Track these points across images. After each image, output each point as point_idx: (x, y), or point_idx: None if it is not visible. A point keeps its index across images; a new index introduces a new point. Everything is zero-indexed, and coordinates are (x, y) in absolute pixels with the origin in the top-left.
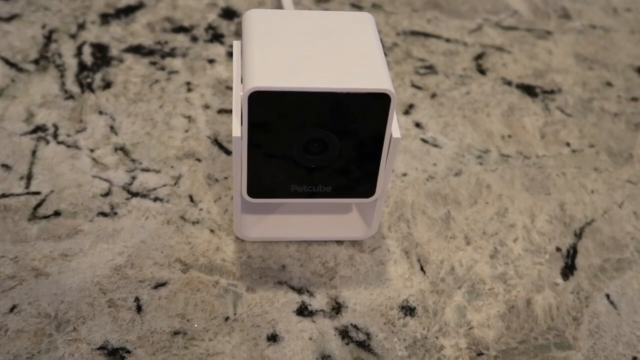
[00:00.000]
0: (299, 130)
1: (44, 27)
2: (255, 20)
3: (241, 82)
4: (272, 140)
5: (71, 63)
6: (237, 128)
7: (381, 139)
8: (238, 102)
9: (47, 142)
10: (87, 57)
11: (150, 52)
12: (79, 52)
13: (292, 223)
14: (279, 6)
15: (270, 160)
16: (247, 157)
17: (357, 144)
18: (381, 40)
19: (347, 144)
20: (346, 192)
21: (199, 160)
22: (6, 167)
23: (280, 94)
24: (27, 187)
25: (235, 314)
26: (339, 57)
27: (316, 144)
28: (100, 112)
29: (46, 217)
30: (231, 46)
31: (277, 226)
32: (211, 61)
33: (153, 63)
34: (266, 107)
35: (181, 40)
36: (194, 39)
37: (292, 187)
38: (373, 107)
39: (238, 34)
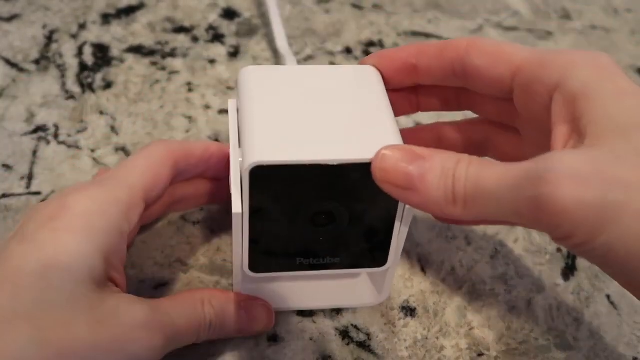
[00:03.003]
0: (305, 203)
1: (44, 27)
2: (252, 79)
3: (239, 147)
4: (275, 213)
5: (72, 63)
6: (238, 204)
7: (393, 210)
8: (237, 172)
9: (48, 142)
10: (88, 57)
11: (151, 52)
12: (79, 52)
13: (297, 291)
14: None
15: (273, 234)
16: (249, 230)
17: (368, 214)
18: (382, 40)
19: (356, 215)
20: (356, 262)
21: None
22: (7, 167)
23: (283, 167)
24: (27, 187)
25: None
26: (344, 123)
27: (323, 216)
28: (101, 112)
29: None
30: (232, 46)
31: (281, 295)
32: (212, 61)
33: (154, 63)
34: (269, 180)
35: (182, 40)
36: (195, 39)
37: (298, 260)
38: None
39: (239, 34)
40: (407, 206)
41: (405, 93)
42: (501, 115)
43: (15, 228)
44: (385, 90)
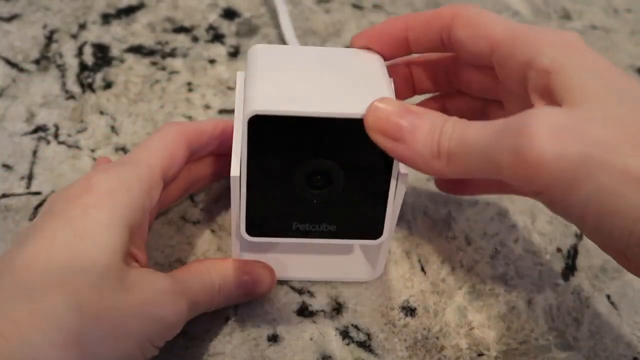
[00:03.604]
0: (302, 159)
1: (45, 27)
2: (260, 54)
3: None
4: (273, 170)
5: (72, 63)
6: (236, 167)
7: (389, 171)
8: (238, 137)
9: (48, 142)
10: (88, 57)
11: (151, 52)
12: (79, 52)
13: (293, 262)
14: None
15: (270, 195)
16: (247, 190)
17: (363, 177)
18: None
19: (352, 177)
20: (351, 233)
21: None
22: (7, 167)
23: (280, 118)
24: (28, 187)
25: (235, 314)
26: (343, 88)
27: (319, 176)
28: (101, 112)
29: None
30: (232, 46)
31: (277, 265)
32: (212, 61)
33: (154, 63)
34: (267, 132)
35: (182, 40)
36: (195, 39)
37: (294, 225)
38: None
39: (239, 34)
40: (401, 173)
41: (399, 69)
42: (487, 90)
43: (41, 211)
44: (385, 68)
